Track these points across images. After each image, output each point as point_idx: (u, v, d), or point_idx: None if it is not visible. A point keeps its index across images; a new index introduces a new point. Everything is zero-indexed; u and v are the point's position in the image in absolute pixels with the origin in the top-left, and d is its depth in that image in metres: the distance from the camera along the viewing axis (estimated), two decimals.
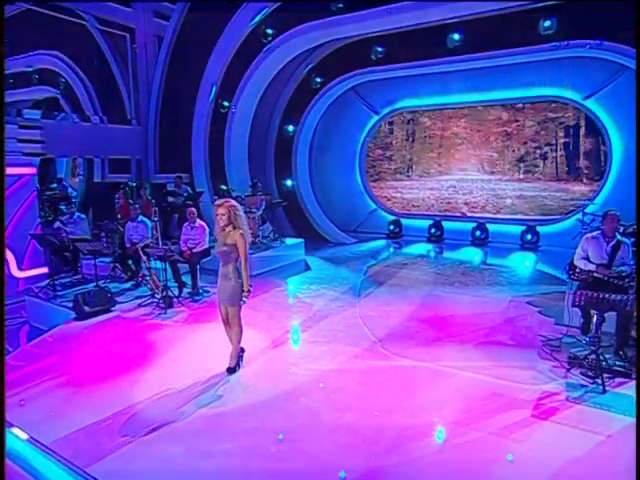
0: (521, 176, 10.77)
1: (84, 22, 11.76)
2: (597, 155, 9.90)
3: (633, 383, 4.11)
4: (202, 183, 10.79)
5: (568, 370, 4.46)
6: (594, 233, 5.05)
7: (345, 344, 5.27)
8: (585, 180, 10.09)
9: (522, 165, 10.74)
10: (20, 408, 4.00)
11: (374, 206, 12.69)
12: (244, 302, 4.37)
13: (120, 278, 7.79)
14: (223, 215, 4.27)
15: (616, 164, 9.57)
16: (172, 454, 3.38)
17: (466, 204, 11.54)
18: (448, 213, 11.72)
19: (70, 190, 13.50)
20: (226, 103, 10.32)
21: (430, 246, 11.03)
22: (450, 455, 3.29)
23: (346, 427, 3.64)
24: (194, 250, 7.05)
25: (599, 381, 4.20)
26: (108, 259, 8.05)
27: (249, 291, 4.35)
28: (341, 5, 8.65)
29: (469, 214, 11.46)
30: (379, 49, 10.24)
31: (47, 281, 7.26)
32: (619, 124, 9.46)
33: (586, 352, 4.65)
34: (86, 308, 6.15)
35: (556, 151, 10.32)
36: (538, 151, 10.51)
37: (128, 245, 7.52)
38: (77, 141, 10.65)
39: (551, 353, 4.86)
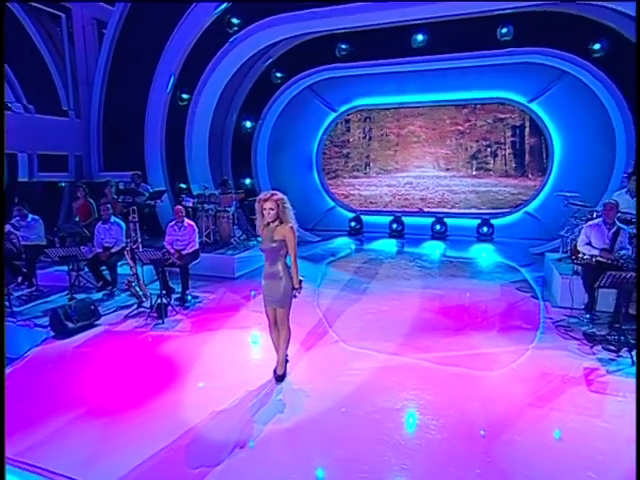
0: (474, 172, 11.49)
1: None
2: (540, 153, 10.91)
3: None
4: (158, 181, 9.91)
5: (592, 347, 4.83)
6: (595, 221, 5.53)
7: (375, 341, 5.16)
8: (530, 175, 11.06)
9: (475, 162, 11.46)
10: (54, 450, 3.30)
11: (332, 204, 12.69)
12: (296, 297, 4.20)
13: (88, 288, 6.84)
14: (272, 210, 3.94)
15: (557, 161, 10.62)
16: None
17: (422, 200, 12.01)
18: (406, 209, 12.11)
19: None
20: (185, 95, 9.59)
21: (395, 241, 11.29)
22: (552, 439, 3.34)
23: (432, 427, 3.54)
24: (183, 252, 6.42)
25: (623, 354, 4.61)
26: (65, 267, 7.01)
27: (300, 287, 4.14)
28: None
29: (426, 209, 11.95)
30: (343, 46, 10.24)
31: None
32: (558, 125, 10.51)
33: (591, 329, 5.18)
34: (69, 324, 5.28)
35: (505, 149, 11.18)
36: (489, 149, 11.29)
37: (99, 250, 6.63)
38: None
39: (567, 333, 5.24)
